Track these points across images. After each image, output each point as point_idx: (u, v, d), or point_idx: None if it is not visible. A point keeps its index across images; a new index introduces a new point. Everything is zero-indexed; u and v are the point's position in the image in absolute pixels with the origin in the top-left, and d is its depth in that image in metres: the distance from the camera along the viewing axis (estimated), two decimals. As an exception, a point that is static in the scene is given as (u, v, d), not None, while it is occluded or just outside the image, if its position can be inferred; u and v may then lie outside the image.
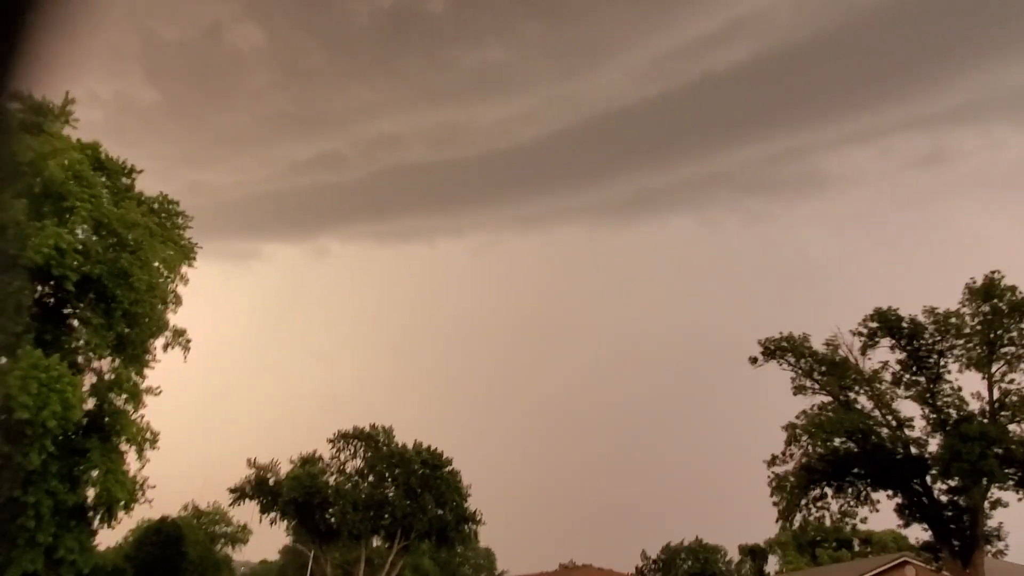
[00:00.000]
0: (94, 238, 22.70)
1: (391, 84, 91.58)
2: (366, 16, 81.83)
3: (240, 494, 45.06)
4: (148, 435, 23.55)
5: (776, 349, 32.55)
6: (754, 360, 32.91)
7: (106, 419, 22.56)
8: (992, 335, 28.85)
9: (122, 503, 22.25)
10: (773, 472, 31.19)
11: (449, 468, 47.68)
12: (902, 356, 30.79)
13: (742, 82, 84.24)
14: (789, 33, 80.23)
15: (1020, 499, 28.30)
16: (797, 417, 31.50)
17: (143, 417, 23.65)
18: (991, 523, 29.22)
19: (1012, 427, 28.29)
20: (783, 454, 31.31)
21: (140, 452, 23.23)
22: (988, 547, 29.30)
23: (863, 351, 31.41)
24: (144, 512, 34.47)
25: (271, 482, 45.28)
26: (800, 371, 32.38)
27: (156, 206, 26.30)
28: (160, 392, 24.43)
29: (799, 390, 32.16)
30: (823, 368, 32.01)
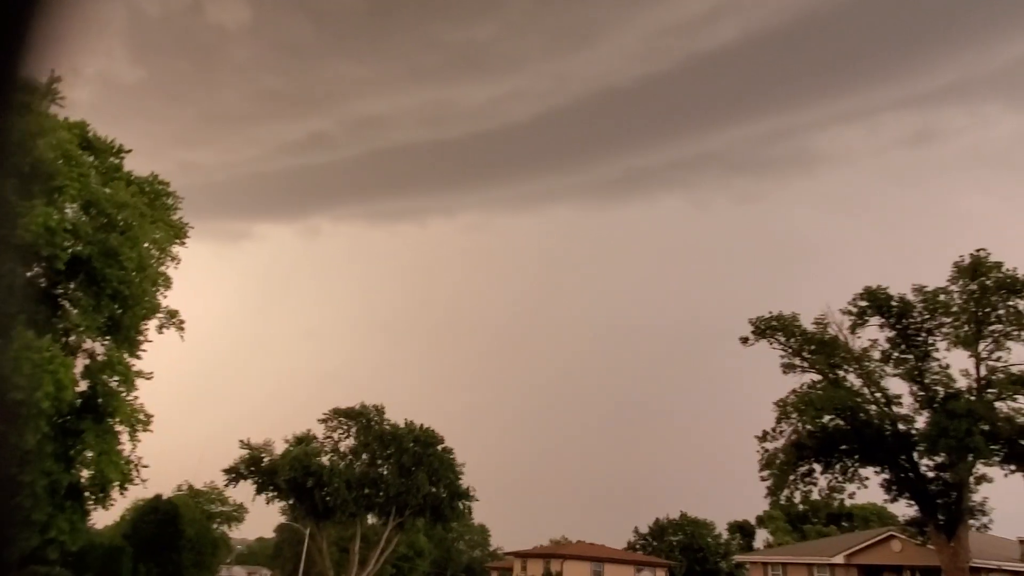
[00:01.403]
0: (83, 218, 22.54)
1: (380, 63, 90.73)
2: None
3: (235, 475, 45.30)
4: (141, 417, 23.61)
5: (766, 328, 32.83)
6: (745, 340, 33.20)
7: (99, 400, 22.59)
8: (979, 313, 29.15)
9: (116, 483, 22.38)
10: (763, 448, 31.61)
11: (442, 446, 48.04)
12: (891, 334, 31.12)
13: (732, 61, 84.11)
14: (779, 13, 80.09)
15: (1006, 475, 28.78)
16: (787, 395, 31.89)
17: (136, 399, 23.70)
18: (975, 498, 29.78)
19: (999, 404, 28.70)
20: (773, 431, 31.73)
21: (133, 434, 23.31)
22: (972, 521, 29.87)
23: (852, 329, 31.75)
24: (139, 492, 34.67)
25: (265, 461, 45.50)
26: (790, 350, 32.69)
27: (146, 186, 26.09)
28: (152, 377, 24.42)
29: (789, 368, 32.52)
30: (812, 347, 32.31)
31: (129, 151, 25.93)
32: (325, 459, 45.92)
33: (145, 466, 23.85)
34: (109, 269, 22.31)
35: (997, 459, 28.50)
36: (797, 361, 32.56)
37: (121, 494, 23.22)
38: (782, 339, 32.72)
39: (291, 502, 46.08)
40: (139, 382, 23.90)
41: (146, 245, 24.72)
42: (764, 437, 31.70)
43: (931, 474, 30.05)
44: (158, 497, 42.85)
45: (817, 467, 31.52)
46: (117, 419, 22.86)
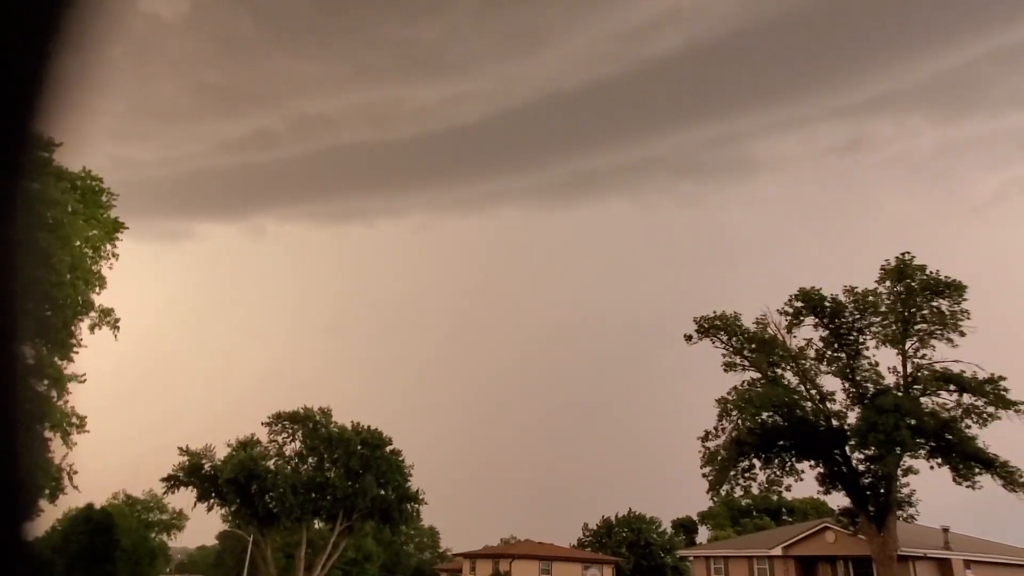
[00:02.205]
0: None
1: (326, 61, 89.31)
2: (299, -13, 79.33)
3: (174, 482, 43.97)
4: (74, 420, 22.72)
5: (710, 327, 33.69)
6: (688, 337, 34.00)
7: (27, 405, 21.67)
8: (906, 313, 30.62)
9: (46, 491, 21.50)
10: (705, 447, 32.37)
11: (390, 447, 47.68)
12: (824, 333, 32.39)
13: (675, 69, 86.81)
14: (720, 24, 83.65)
15: (932, 468, 30.24)
16: (728, 393, 32.79)
17: (67, 403, 22.78)
18: (904, 490, 31.27)
19: (924, 400, 30.20)
20: (715, 429, 32.54)
21: (65, 437, 22.41)
22: (900, 512, 31.34)
23: (789, 329, 32.89)
24: (72, 500, 33.30)
25: (206, 467, 44.30)
26: (731, 348, 33.64)
27: (78, 182, 25.09)
28: (85, 379, 23.50)
29: (730, 367, 33.44)
30: (753, 345, 33.31)
31: (59, 144, 24.89)
32: (270, 463, 45.02)
33: (75, 472, 22.98)
34: (38, 270, 21.40)
35: (923, 452, 29.95)
36: (738, 360, 33.50)
37: (52, 503, 22.31)
38: (724, 338, 33.64)
39: (234, 508, 44.98)
40: (75, 387, 22.99)
41: (78, 244, 23.80)
42: (706, 437, 32.45)
43: (862, 467, 31.38)
44: (90, 507, 41.24)
45: (756, 462, 32.51)
46: (47, 424, 21.94)
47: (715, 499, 34.47)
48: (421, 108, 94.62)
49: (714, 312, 33.75)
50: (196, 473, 43.91)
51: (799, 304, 32.37)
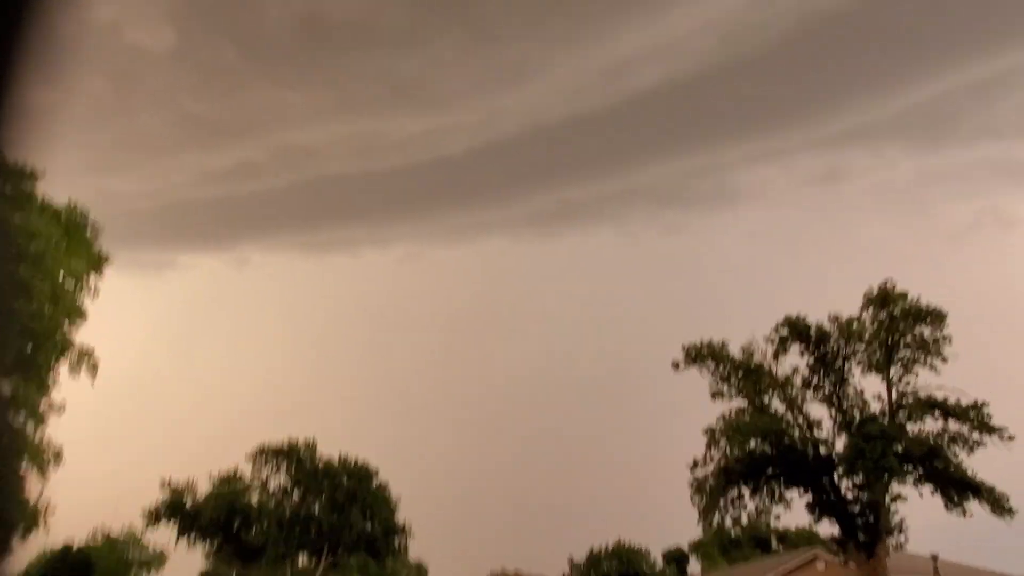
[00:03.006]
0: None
1: (310, 92, 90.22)
2: (281, 21, 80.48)
3: (155, 517, 43.04)
4: (51, 454, 22.26)
5: (698, 355, 33.72)
6: (676, 365, 34.00)
7: (3, 439, 21.18)
8: (889, 340, 30.94)
9: (20, 529, 20.92)
10: (695, 477, 32.25)
11: (377, 480, 47.04)
12: (810, 361, 32.58)
13: (657, 103, 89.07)
14: (701, 60, 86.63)
15: (920, 495, 30.28)
16: (716, 422, 32.78)
17: (44, 438, 22.32)
18: (894, 518, 31.21)
19: (910, 426, 30.38)
20: (704, 458, 32.44)
21: (43, 471, 21.92)
22: (890, 539, 31.24)
23: (775, 356, 33.05)
24: (48, 540, 32.42)
25: (189, 503, 43.45)
26: (719, 376, 33.67)
27: (62, 214, 24.93)
28: (63, 410, 23.08)
29: (717, 394, 33.43)
30: (740, 373, 33.39)
31: (42, 174, 24.74)
32: (253, 498, 44.25)
33: (52, 510, 22.41)
34: (19, 303, 21.14)
35: (911, 478, 30.02)
36: (726, 388, 33.52)
37: (23, 539, 21.69)
38: (711, 366, 33.67)
39: (215, 545, 44.04)
40: (53, 421, 22.56)
41: (60, 276, 23.58)
42: (695, 465, 32.35)
43: (851, 495, 31.35)
44: (68, 547, 40.15)
45: (745, 491, 32.37)
46: (23, 459, 21.47)
47: (706, 529, 34.23)
48: (406, 139, 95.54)
49: (701, 340, 33.90)
50: (178, 508, 43.05)
51: (785, 332, 32.62)
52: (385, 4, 79.54)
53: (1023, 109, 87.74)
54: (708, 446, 32.48)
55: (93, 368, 24.44)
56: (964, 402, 29.47)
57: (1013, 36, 75.20)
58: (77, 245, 24.64)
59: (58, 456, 22.35)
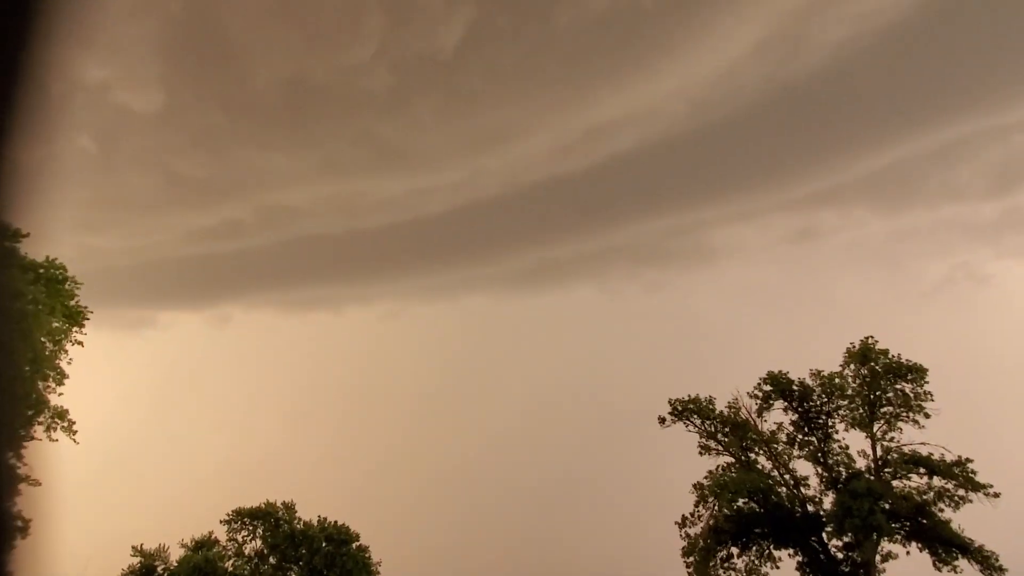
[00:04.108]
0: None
1: (293, 153, 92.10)
2: (267, 84, 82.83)
3: (123, 585, 41.24)
4: (18, 523, 21.51)
5: (683, 410, 33.62)
6: (662, 420, 33.83)
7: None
8: (871, 396, 31.08)
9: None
10: (686, 533, 31.70)
11: (357, 544, 45.61)
12: (794, 417, 32.56)
13: (636, 165, 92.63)
14: (675, 126, 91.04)
15: (908, 552, 29.87)
16: (704, 478, 32.45)
17: (14, 506, 21.61)
18: (882, 577, 30.67)
19: (896, 483, 30.20)
20: (692, 515, 31.97)
21: (10, 543, 21.12)
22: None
23: (759, 413, 33.03)
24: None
25: (160, 570, 41.78)
26: (705, 432, 33.49)
27: (42, 272, 24.80)
28: (39, 484, 22.43)
29: (705, 450, 33.20)
30: (726, 429, 33.25)
31: (26, 235, 24.73)
32: (228, 564, 42.68)
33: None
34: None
35: (899, 537, 29.66)
36: (712, 444, 33.34)
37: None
38: (697, 421, 33.54)
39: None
40: (24, 488, 21.86)
41: (40, 337, 23.31)
42: (684, 523, 31.86)
43: (840, 555, 30.84)
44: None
45: (735, 550, 31.80)
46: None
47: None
48: (388, 199, 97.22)
49: (688, 395, 33.87)
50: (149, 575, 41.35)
51: (768, 388, 32.70)
52: (369, 69, 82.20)
53: (982, 173, 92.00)
54: (696, 504, 32.07)
55: (70, 429, 23.97)
56: (948, 458, 29.49)
57: (970, 105, 79.70)
58: (56, 302, 24.46)
59: (26, 525, 21.59)
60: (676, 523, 32.08)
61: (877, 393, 30.97)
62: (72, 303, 25.07)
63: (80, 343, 24.80)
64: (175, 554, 42.16)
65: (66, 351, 24.70)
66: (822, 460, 31.58)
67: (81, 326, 25.01)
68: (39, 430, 23.78)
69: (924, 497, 29.59)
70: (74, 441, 24.33)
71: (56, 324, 23.82)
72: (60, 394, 24.23)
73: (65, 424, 24.11)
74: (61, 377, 24.42)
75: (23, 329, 21.98)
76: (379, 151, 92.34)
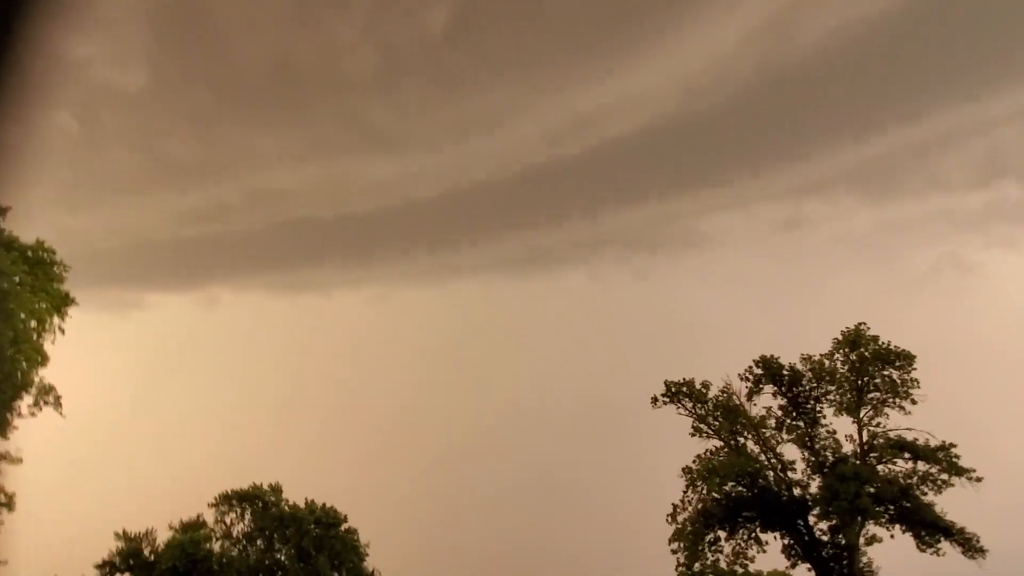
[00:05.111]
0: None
1: (280, 136, 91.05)
2: (254, 65, 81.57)
3: (109, 569, 41.06)
4: (2, 498, 21.34)
5: (677, 391, 33.62)
6: (654, 400, 33.85)
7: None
8: (860, 382, 31.29)
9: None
10: (674, 519, 31.84)
11: (345, 526, 45.66)
12: (783, 402, 32.74)
13: (627, 152, 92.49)
14: (664, 114, 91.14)
15: (892, 536, 30.21)
16: (693, 462, 32.57)
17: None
18: (863, 559, 31.05)
19: (880, 467, 30.53)
20: (682, 501, 32.10)
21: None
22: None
23: (749, 397, 33.15)
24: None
25: (147, 552, 41.63)
26: (696, 416, 33.54)
27: (29, 253, 24.31)
28: (21, 461, 22.21)
29: (697, 431, 33.25)
30: (718, 413, 33.32)
31: (8, 208, 24.07)
32: (216, 546, 42.57)
33: (3, 561, 21.35)
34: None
35: (884, 519, 30.01)
36: (704, 427, 33.41)
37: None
38: (688, 405, 33.56)
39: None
40: (7, 467, 21.68)
41: (23, 316, 22.91)
42: (674, 513, 31.98)
43: (825, 538, 31.19)
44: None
45: (722, 534, 32.05)
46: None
47: (689, 573, 33.64)
48: (376, 183, 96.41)
49: (683, 378, 33.91)
50: (135, 558, 41.17)
51: (759, 371, 32.81)
52: (356, 49, 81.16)
53: (968, 164, 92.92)
54: (686, 488, 32.20)
55: (57, 403, 23.68)
56: (932, 444, 29.80)
57: (957, 97, 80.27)
58: (43, 285, 24.04)
59: (9, 500, 21.40)
60: (668, 515, 32.12)
61: (865, 379, 31.19)
62: (58, 287, 24.56)
63: (62, 329, 24.42)
64: (163, 537, 42.00)
65: (51, 332, 24.32)
66: (809, 445, 31.83)
67: (64, 312, 24.56)
68: (24, 410, 23.48)
69: (908, 481, 29.92)
70: (61, 415, 24.03)
71: (40, 305, 23.40)
72: (42, 378, 23.90)
73: (51, 400, 23.81)
74: (43, 359, 24.06)
75: (4, 310, 21.62)
76: (367, 134, 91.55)
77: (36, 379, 23.63)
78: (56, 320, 24.33)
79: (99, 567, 40.74)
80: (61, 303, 24.59)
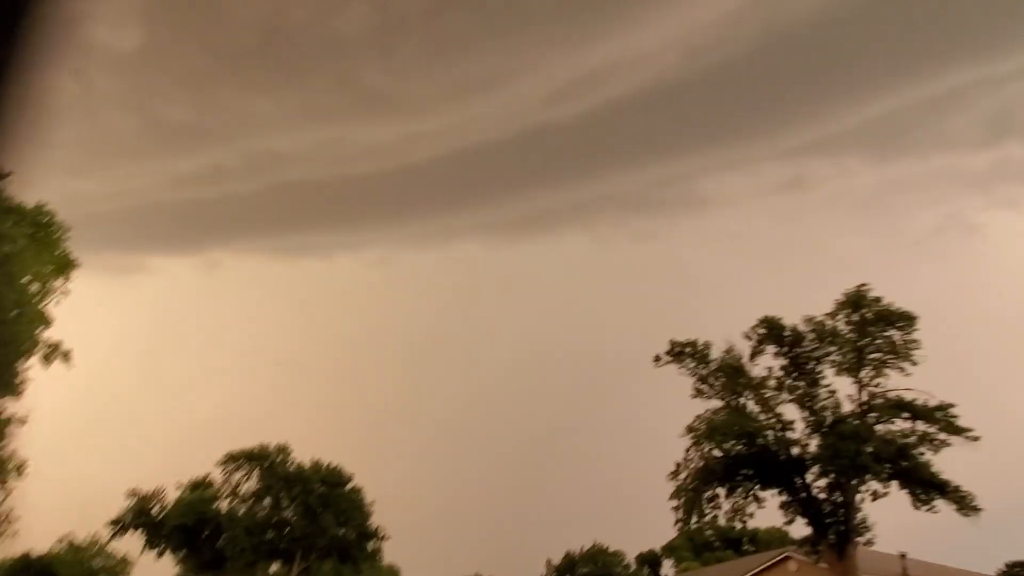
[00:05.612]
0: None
1: (277, 98, 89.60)
2: (250, 26, 79.70)
3: (120, 526, 42.01)
4: (12, 465, 21.65)
5: (681, 351, 33.77)
6: (657, 358, 34.04)
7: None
8: (860, 342, 31.39)
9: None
10: (675, 477, 32.33)
11: (351, 484, 46.51)
12: (784, 362, 32.91)
13: (627, 112, 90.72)
14: (666, 73, 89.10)
15: (887, 493, 30.64)
16: (694, 421, 32.92)
17: (6, 447, 21.71)
18: (858, 515, 31.62)
19: (879, 427, 30.85)
20: (684, 460, 32.54)
21: (3, 483, 21.32)
22: (859, 538, 31.66)
23: (752, 357, 33.32)
24: (9, 548, 31.44)
25: (156, 511, 42.51)
26: (698, 376, 33.74)
27: (30, 217, 24.21)
28: (27, 421, 22.46)
29: (699, 393, 33.52)
30: (720, 373, 33.52)
31: (8, 174, 23.97)
32: (223, 505, 43.43)
33: (14, 519, 21.80)
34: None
35: (884, 477, 30.44)
36: (705, 387, 33.65)
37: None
38: (692, 364, 33.72)
39: (184, 554, 43.11)
40: (18, 429, 21.96)
41: (27, 279, 22.93)
42: (676, 472, 32.42)
43: (822, 495, 31.71)
44: (27, 556, 38.90)
45: (721, 491, 32.56)
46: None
47: (686, 528, 34.31)
48: (375, 146, 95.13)
49: (687, 338, 34.03)
50: (144, 516, 42.07)
51: (762, 331, 32.91)
52: (355, 11, 79.41)
53: (973, 124, 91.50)
54: (689, 447, 32.57)
55: (66, 358, 23.92)
56: (931, 404, 30.03)
57: (963, 54, 78.54)
58: (45, 247, 24.00)
59: (20, 468, 21.75)
60: (669, 474, 32.54)
61: (866, 340, 31.28)
62: (58, 252, 24.52)
63: (65, 292, 24.50)
64: (172, 496, 42.85)
65: (54, 296, 24.39)
66: (809, 405, 32.11)
67: (68, 274, 24.61)
68: (34, 367, 23.69)
69: (906, 440, 30.24)
70: (70, 368, 24.27)
71: (46, 268, 23.42)
72: (48, 338, 24.06)
73: (60, 355, 24.06)
74: (48, 322, 24.18)
75: (7, 273, 21.61)
76: (365, 95, 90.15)
77: (41, 339, 23.81)
78: (59, 283, 24.38)
79: (111, 523, 41.73)
80: (65, 266, 24.61)
